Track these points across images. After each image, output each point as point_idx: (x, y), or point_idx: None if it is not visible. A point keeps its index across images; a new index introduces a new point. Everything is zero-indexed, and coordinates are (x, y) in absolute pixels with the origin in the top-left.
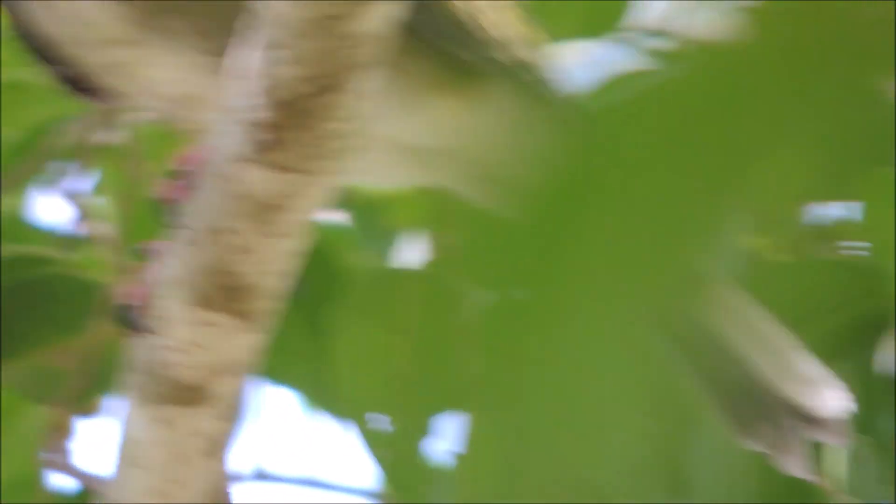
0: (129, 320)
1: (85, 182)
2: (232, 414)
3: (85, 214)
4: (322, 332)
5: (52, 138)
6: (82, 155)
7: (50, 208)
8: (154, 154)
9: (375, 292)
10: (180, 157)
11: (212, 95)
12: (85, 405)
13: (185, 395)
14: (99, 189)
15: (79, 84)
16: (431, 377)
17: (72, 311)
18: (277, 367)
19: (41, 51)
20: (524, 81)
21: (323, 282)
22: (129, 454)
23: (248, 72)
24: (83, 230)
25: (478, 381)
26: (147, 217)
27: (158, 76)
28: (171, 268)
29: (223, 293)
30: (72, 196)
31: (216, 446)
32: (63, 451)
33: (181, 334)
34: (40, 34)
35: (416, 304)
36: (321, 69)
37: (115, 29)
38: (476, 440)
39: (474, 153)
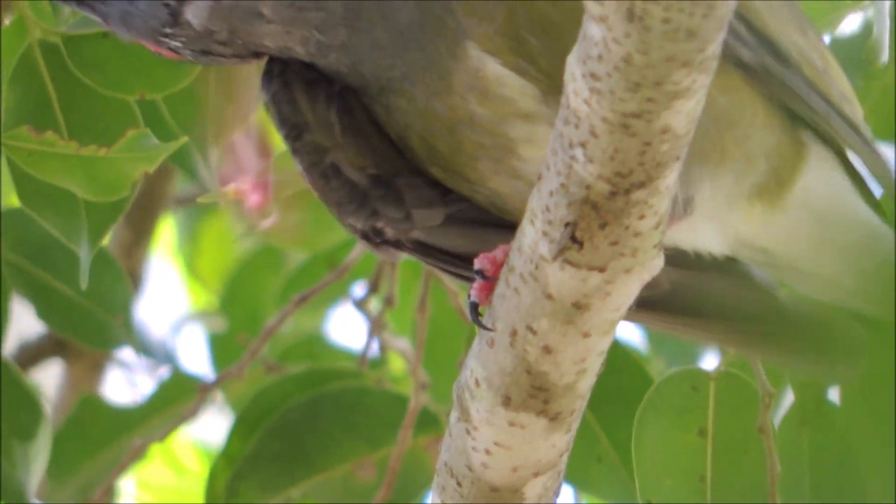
0: None
1: (377, 297)
2: None
3: (379, 328)
4: (620, 434)
5: (343, 256)
6: (374, 270)
7: (346, 325)
8: None
9: (674, 394)
10: (481, 258)
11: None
12: None
13: (495, 497)
14: (391, 302)
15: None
16: (733, 478)
17: (376, 423)
18: (577, 470)
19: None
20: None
21: (621, 382)
22: None
23: (550, 170)
24: (378, 344)
25: (782, 481)
26: (443, 328)
27: (542, 156)
28: (473, 370)
29: (527, 393)
30: (366, 311)
31: None
32: None
33: (488, 436)
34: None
35: (714, 405)
36: (620, 168)
37: (523, 103)
38: None
39: (784, 250)
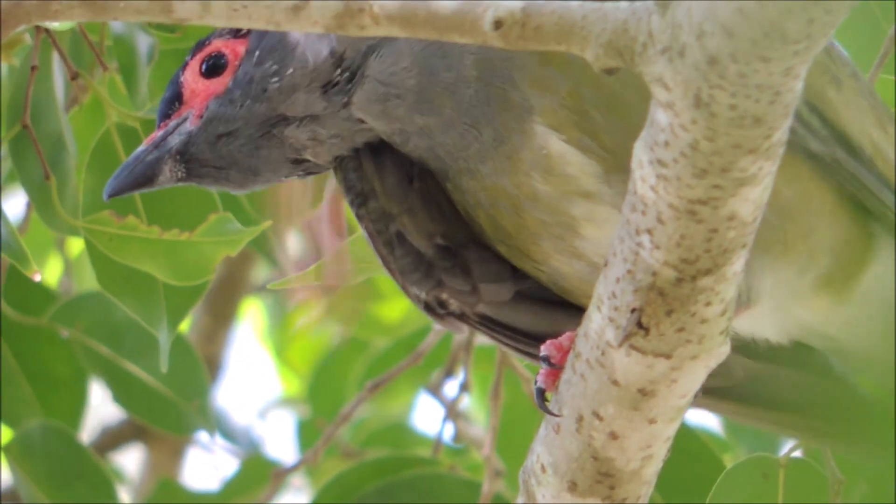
0: None
1: (454, 383)
2: None
3: (455, 415)
4: None
5: (419, 343)
6: (450, 357)
7: (423, 410)
8: None
9: (744, 481)
10: (547, 345)
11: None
12: None
13: None
14: (466, 388)
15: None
16: None
17: None
18: None
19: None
20: None
21: (692, 469)
22: None
23: (616, 256)
24: (454, 431)
25: None
26: (517, 415)
27: (603, 236)
28: (539, 455)
29: (593, 479)
30: (442, 398)
31: None
32: None
33: None
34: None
35: (784, 493)
36: (687, 255)
37: (585, 181)
38: None
39: (851, 339)
